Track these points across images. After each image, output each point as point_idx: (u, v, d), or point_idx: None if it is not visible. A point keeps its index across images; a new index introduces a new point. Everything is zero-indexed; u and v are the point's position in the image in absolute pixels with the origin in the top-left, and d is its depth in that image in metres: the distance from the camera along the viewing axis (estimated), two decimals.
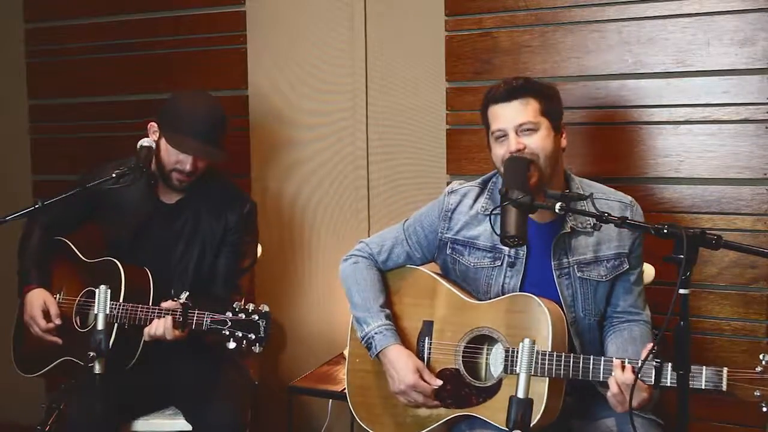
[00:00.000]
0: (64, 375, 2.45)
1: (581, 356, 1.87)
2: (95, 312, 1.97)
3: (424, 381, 2.05)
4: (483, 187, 2.17)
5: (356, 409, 2.21)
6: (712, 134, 2.46)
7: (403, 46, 2.88)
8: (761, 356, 1.69)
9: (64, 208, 2.37)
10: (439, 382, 2.04)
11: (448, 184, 2.32)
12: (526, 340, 1.70)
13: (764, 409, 1.69)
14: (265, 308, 2.13)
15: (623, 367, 1.80)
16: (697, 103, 2.47)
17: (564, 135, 2.07)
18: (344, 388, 2.28)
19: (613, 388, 1.80)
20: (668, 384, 1.74)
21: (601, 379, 1.84)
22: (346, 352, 2.36)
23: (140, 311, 2.28)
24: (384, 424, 2.16)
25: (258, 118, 3.13)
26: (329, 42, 2.99)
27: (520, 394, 1.64)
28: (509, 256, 2.07)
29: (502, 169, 1.97)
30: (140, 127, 2.54)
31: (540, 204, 1.79)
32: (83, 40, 3.37)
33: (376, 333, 2.10)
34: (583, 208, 1.90)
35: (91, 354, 1.93)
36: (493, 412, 1.96)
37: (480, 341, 2.06)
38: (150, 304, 2.32)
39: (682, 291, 1.52)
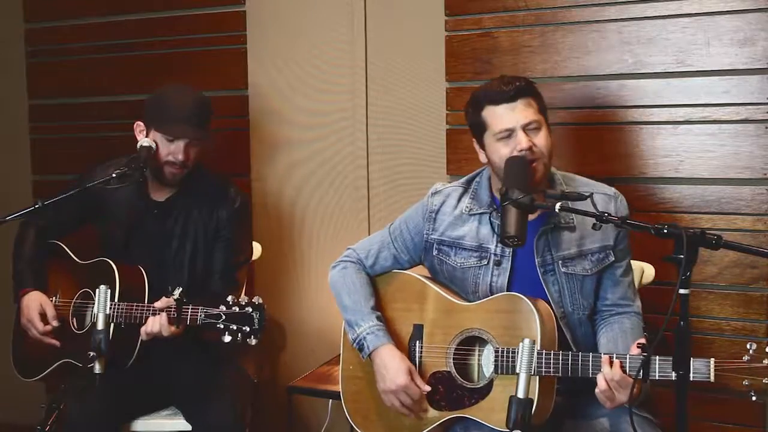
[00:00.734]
0: (63, 377, 2.44)
1: (570, 353, 1.87)
2: (95, 312, 1.98)
3: (416, 384, 2.04)
4: (467, 187, 2.18)
5: (352, 415, 2.21)
6: (712, 134, 2.46)
7: (403, 46, 2.88)
8: (748, 345, 1.68)
9: (61, 210, 2.37)
10: (428, 388, 2.04)
11: None
12: (526, 341, 1.71)
13: (753, 398, 1.68)
14: (259, 300, 2.13)
15: (611, 363, 1.79)
16: (697, 103, 2.47)
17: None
18: None
19: (601, 384, 1.79)
20: (656, 378, 1.73)
21: (590, 376, 1.83)
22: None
23: (135, 310, 2.27)
24: (380, 429, 2.15)
25: (258, 118, 3.13)
26: (329, 42, 2.99)
27: (520, 394, 1.64)
28: (495, 254, 2.07)
29: (503, 169, 1.97)
30: None
31: (540, 204, 1.79)
32: (83, 40, 3.37)
33: (368, 334, 2.10)
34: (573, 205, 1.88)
35: (92, 354, 1.94)
36: (486, 412, 1.96)
37: (471, 342, 2.05)
38: (145, 302, 2.32)
39: (682, 291, 1.52)
